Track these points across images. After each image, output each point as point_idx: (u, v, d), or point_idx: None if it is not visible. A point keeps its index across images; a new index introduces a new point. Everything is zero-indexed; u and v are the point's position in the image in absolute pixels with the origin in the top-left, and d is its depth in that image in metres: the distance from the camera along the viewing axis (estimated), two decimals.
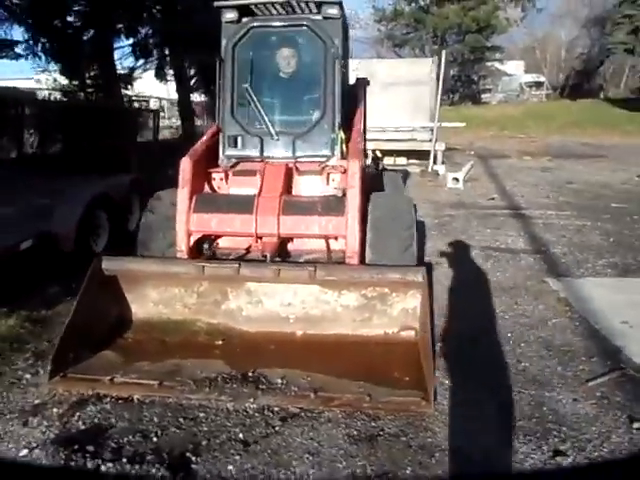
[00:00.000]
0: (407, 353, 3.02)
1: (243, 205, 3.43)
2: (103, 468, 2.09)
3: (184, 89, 16.19)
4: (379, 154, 11.74)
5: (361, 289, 3.13)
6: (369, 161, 7.04)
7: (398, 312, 3.15)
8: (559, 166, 12.55)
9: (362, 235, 3.36)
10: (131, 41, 13.59)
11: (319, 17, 3.70)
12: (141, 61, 14.88)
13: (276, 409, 2.57)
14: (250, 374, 2.80)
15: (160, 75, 16.04)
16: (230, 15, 3.74)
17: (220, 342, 3.24)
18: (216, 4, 3.73)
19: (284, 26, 3.78)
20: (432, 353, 2.62)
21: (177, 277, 3.25)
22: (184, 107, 16.06)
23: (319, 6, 3.65)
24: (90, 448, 2.20)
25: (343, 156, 3.69)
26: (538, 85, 35.03)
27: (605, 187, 9.46)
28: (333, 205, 3.39)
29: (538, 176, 11.01)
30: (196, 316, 3.37)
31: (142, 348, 3.17)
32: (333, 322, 3.22)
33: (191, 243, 3.49)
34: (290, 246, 3.71)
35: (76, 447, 2.20)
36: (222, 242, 3.81)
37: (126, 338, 3.29)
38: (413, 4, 23.62)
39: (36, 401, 2.69)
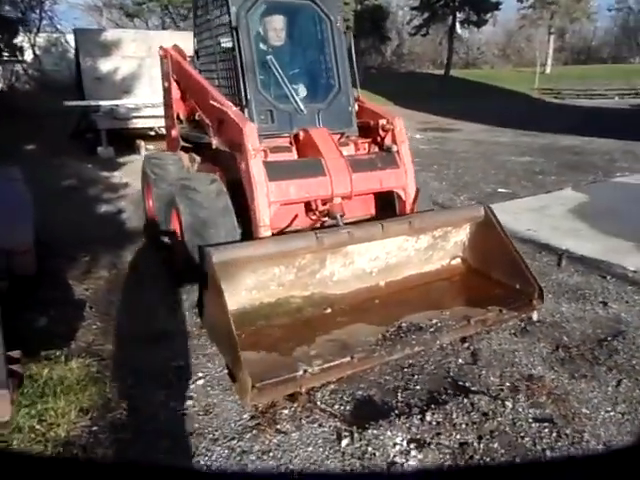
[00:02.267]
0: (474, 275, 3.79)
1: (314, 168, 3.41)
2: (429, 416, 2.25)
3: None
4: None
5: (433, 231, 3.68)
6: None
7: (451, 245, 3.87)
8: None
9: None
10: None
11: None
12: None
13: (451, 340, 3.01)
14: (404, 325, 3.06)
15: None
16: None
17: (329, 310, 3.31)
18: None
19: None
20: (522, 260, 3.46)
21: (283, 255, 3.09)
22: None
23: None
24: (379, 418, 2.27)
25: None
26: None
27: None
28: (388, 160, 3.69)
29: None
30: (289, 292, 3.27)
31: (268, 340, 2.96)
32: (404, 266, 3.69)
33: (272, 215, 3.30)
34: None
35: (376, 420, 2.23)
36: None
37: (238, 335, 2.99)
38: None
39: (244, 415, 2.37)
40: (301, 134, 3.66)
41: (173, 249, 3.94)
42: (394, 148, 3.76)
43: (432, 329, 3.03)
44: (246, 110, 3.59)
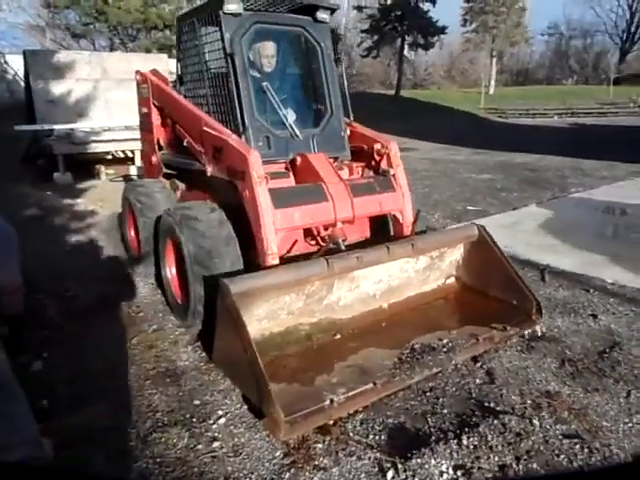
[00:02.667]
0: (470, 293, 3.88)
1: (316, 193, 3.42)
2: (465, 440, 2.25)
3: None
4: (138, 155, 11.33)
5: (430, 252, 3.75)
6: None
7: (446, 265, 3.96)
8: None
9: None
10: None
11: (309, 19, 3.90)
12: None
13: (464, 359, 3.06)
14: (417, 346, 3.10)
15: None
16: (233, 7, 3.49)
17: (339, 336, 3.30)
18: None
19: (284, 24, 3.80)
20: (519, 276, 3.60)
21: (295, 283, 3.05)
22: None
23: (313, 10, 3.86)
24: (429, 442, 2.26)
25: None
26: None
27: None
28: (385, 183, 3.76)
29: None
30: (298, 320, 3.25)
31: (285, 370, 2.90)
32: (404, 287, 3.74)
33: (279, 243, 3.25)
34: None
35: (416, 448, 2.22)
36: None
37: None
38: None
39: (277, 453, 2.29)
40: (298, 159, 3.66)
41: (167, 281, 3.80)
42: (391, 172, 3.84)
43: (445, 349, 3.08)
44: (243, 136, 3.55)
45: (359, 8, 30.30)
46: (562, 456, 2.21)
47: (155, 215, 4.24)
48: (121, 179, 10.48)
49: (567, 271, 4.68)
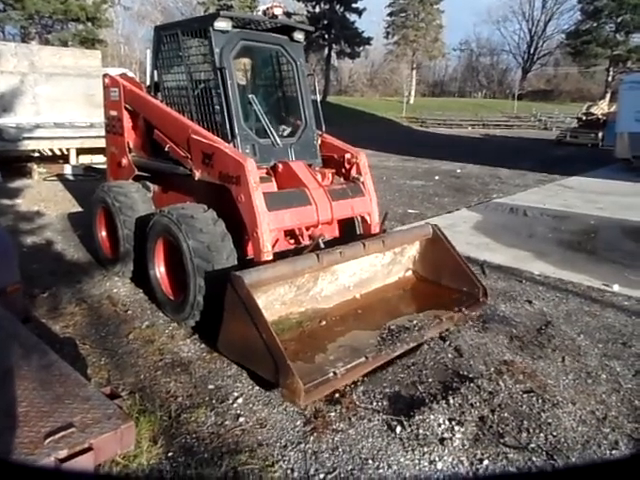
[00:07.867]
0: (426, 284, 4.46)
1: (302, 198, 3.80)
2: (451, 400, 2.76)
3: None
4: (73, 154, 10.98)
5: (394, 248, 4.26)
6: None
7: (406, 260, 4.51)
8: None
9: None
10: None
11: (286, 39, 4.27)
12: None
13: (433, 335, 3.60)
14: (393, 327, 3.57)
15: None
16: (223, 24, 3.77)
17: (324, 323, 3.69)
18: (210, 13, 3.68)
19: (265, 42, 4.13)
20: (468, 267, 4.22)
21: (289, 276, 3.40)
22: None
23: (291, 30, 4.23)
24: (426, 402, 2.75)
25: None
26: None
27: None
28: (356, 189, 4.23)
29: None
30: (289, 310, 3.62)
31: (287, 353, 3.21)
32: (373, 279, 4.23)
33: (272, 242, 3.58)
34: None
35: (415, 408, 2.69)
36: None
37: None
38: None
39: (297, 423, 2.65)
40: (280, 166, 4.02)
41: (157, 279, 3.95)
42: (360, 179, 4.32)
43: (416, 328, 3.59)
44: (231, 144, 3.83)
45: (287, 14, 30.86)
46: (524, 406, 2.79)
47: (134, 214, 4.37)
48: (55, 178, 10.06)
49: (502, 265, 5.46)
